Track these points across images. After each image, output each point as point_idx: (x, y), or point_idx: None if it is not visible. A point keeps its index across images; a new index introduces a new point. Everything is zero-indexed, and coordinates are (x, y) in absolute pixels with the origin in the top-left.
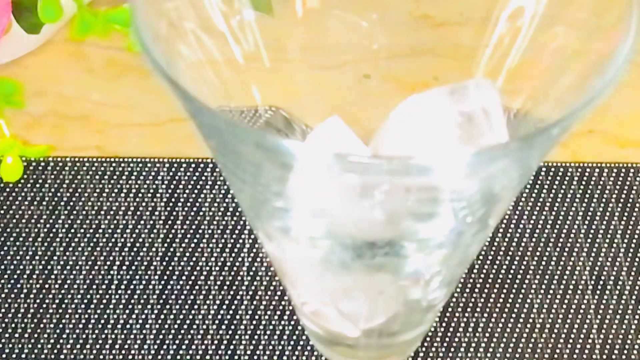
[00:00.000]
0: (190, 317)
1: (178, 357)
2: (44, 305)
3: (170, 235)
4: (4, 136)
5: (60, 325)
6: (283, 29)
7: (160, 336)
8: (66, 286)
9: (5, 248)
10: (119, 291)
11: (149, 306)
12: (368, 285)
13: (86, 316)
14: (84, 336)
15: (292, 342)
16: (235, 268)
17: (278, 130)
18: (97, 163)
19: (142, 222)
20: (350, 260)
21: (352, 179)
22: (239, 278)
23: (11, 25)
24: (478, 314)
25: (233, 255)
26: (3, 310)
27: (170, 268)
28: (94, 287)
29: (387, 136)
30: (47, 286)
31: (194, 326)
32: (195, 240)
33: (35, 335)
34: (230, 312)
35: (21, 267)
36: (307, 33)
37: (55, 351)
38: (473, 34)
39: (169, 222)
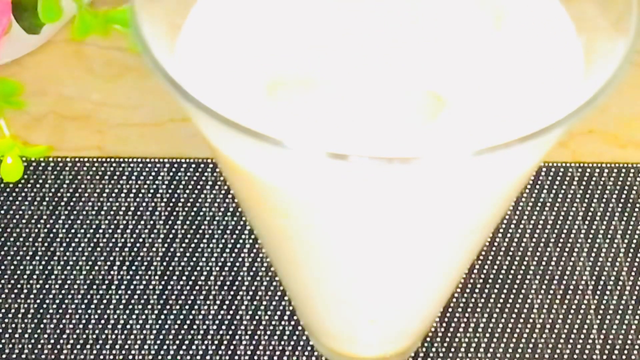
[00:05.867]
0: (190, 317)
1: (178, 357)
2: (44, 305)
3: (170, 235)
4: (4, 136)
5: (61, 325)
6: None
7: (160, 336)
8: (66, 286)
9: (6, 248)
10: (119, 291)
11: (149, 306)
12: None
13: (86, 316)
14: (84, 336)
15: (292, 342)
16: (235, 268)
17: None
18: (97, 163)
19: (142, 222)
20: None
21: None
22: (239, 278)
23: (11, 25)
24: (478, 314)
25: (233, 255)
26: (3, 310)
27: (170, 268)
28: (94, 287)
29: None
30: (47, 286)
31: (194, 326)
32: (195, 240)
33: (35, 335)
34: (230, 312)
35: (21, 267)
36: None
37: (55, 351)
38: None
39: (169, 222)
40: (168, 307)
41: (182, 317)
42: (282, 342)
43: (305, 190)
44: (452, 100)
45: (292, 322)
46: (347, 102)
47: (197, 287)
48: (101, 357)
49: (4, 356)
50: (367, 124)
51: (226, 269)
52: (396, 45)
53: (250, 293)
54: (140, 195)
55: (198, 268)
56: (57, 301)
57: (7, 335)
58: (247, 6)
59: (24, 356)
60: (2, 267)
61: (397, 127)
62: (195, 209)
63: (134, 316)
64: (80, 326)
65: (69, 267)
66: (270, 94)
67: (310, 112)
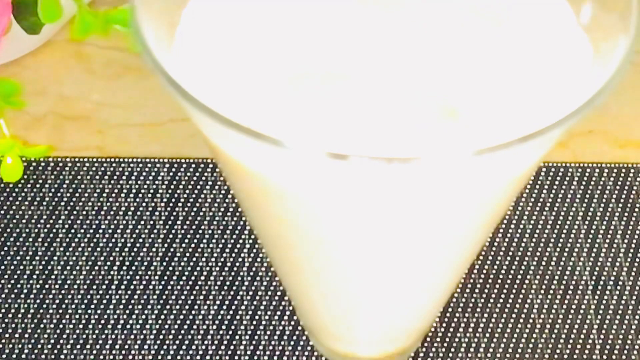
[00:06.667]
0: (190, 317)
1: (178, 357)
2: (44, 305)
3: (170, 235)
4: (4, 136)
5: (60, 325)
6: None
7: (160, 336)
8: (66, 286)
9: (6, 248)
10: (119, 291)
11: (149, 306)
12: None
13: (86, 316)
14: (84, 336)
15: (292, 342)
16: (235, 268)
17: None
18: (97, 163)
19: (142, 222)
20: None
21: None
22: (239, 278)
23: (11, 25)
24: (478, 314)
25: (233, 255)
26: (3, 310)
27: (170, 268)
28: (94, 287)
29: None
30: (47, 286)
31: (194, 326)
32: (195, 240)
33: (35, 335)
34: (230, 312)
35: (21, 267)
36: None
37: (55, 351)
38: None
39: (169, 222)
40: (168, 307)
41: (182, 317)
42: (282, 342)
43: (306, 190)
44: (456, 102)
45: (292, 322)
46: (346, 102)
47: (197, 287)
48: (101, 357)
49: (4, 356)
50: (368, 124)
51: (226, 269)
52: (397, 45)
53: (250, 293)
54: (140, 195)
55: (198, 268)
56: (57, 301)
57: (7, 335)
58: (245, 6)
59: (24, 356)
60: (2, 267)
61: (398, 128)
62: (195, 209)
63: (134, 316)
64: (80, 326)
65: (69, 267)
66: (271, 92)
67: (310, 111)
